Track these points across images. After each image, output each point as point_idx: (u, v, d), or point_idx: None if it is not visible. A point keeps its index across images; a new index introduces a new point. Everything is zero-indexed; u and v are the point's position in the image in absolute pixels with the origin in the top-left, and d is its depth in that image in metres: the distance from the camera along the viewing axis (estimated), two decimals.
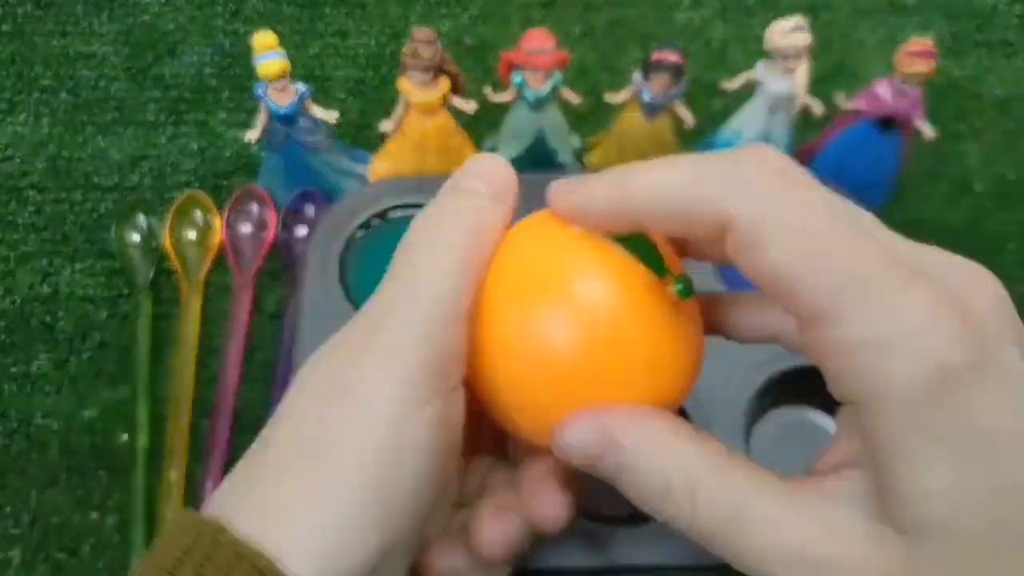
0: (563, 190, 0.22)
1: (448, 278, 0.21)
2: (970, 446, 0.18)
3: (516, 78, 0.45)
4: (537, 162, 0.49)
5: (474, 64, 0.59)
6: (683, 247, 0.23)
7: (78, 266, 0.50)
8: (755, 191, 0.19)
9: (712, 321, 0.24)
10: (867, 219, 0.20)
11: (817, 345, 0.19)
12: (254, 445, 0.22)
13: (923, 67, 0.43)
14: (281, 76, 0.43)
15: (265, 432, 0.22)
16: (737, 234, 0.19)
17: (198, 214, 0.50)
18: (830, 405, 0.44)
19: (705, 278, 0.45)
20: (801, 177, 0.20)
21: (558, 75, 0.45)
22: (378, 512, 0.20)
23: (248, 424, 0.45)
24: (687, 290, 0.20)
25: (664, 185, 0.20)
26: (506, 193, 0.23)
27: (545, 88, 0.45)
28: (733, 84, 0.47)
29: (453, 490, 0.27)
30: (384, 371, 0.21)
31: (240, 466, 0.22)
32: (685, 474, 0.20)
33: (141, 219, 0.50)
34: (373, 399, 0.20)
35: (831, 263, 0.18)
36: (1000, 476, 0.17)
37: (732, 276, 0.46)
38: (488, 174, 0.23)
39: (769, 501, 0.20)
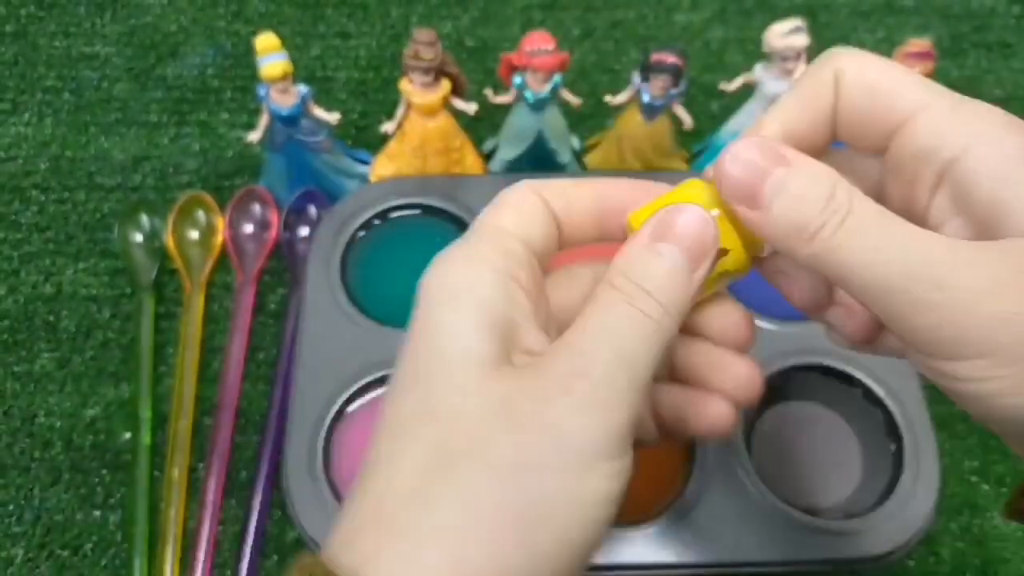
0: (753, 139, 0.22)
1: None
2: None
3: (517, 79, 0.45)
4: (537, 163, 0.50)
5: (475, 65, 0.59)
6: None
7: (81, 265, 0.50)
8: (960, 103, 0.21)
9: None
10: None
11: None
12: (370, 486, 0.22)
13: (921, 68, 0.43)
14: (283, 77, 0.44)
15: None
16: (926, 126, 0.21)
17: (200, 214, 0.50)
18: (831, 401, 0.45)
19: None
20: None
21: (558, 76, 0.45)
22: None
23: (250, 422, 0.45)
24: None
25: (865, 83, 0.22)
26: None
27: (545, 89, 0.45)
28: (731, 85, 0.48)
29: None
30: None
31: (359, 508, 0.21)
32: (844, 185, 0.21)
33: (144, 219, 0.50)
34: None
35: None
36: None
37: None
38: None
39: (922, 234, 0.20)
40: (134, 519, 0.42)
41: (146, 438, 0.44)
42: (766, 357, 0.43)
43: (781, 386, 0.43)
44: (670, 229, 0.22)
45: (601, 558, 0.38)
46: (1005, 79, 0.59)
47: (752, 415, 0.43)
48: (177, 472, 0.43)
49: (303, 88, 0.45)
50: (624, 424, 0.20)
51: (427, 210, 0.48)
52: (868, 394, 0.42)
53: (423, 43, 0.43)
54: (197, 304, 0.48)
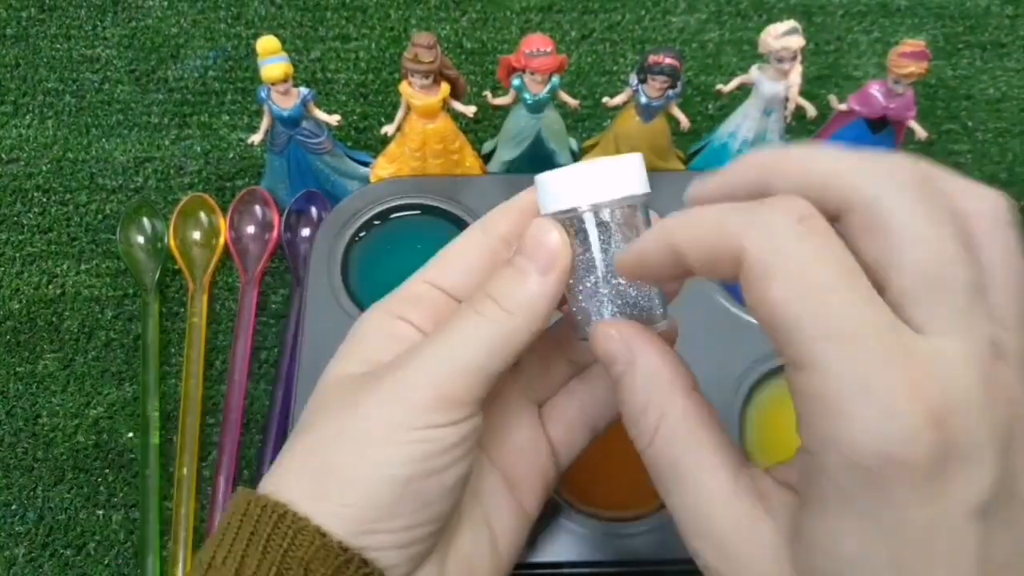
0: (628, 252, 0.25)
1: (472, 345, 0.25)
2: (881, 532, 0.18)
3: (515, 81, 0.45)
4: (536, 163, 0.50)
5: (473, 68, 0.59)
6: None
7: (84, 267, 0.51)
8: (771, 231, 0.20)
9: None
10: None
11: (793, 385, 0.20)
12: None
13: (915, 68, 0.44)
14: (284, 79, 0.44)
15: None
16: (747, 267, 0.20)
17: (203, 215, 0.51)
18: None
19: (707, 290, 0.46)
20: (821, 225, 0.20)
21: (556, 78, 0.45)
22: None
23: (255, 421, 0.46)
24: None
25: (698, 226, 0.22)
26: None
27: (544, 91, 0.45)
28: (728, 87, 0.48)
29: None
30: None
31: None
32: (659, 407, 0.23)
33: (146, 220, 0.51)
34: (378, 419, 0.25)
35: (826, 315, 0.19)
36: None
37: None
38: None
39: (712, 474, 0.22)
40: (146, 518, 0.42)
41: (155, 438, 0.44)
42: (762, 355, 0.43)
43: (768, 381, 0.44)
44: (522, 242, 0.26)
45: (599, 555, 0.39)
46: (999, 79, 0.59)
47: (743, 400, 0.43)
48: (186, 471, 0.43)
49: (304, 90, 0.45)
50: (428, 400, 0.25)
51: (426, 210, 0.49)
52: None
53: (422, 46, 0.43)
54: (200, 305, 0.48)
